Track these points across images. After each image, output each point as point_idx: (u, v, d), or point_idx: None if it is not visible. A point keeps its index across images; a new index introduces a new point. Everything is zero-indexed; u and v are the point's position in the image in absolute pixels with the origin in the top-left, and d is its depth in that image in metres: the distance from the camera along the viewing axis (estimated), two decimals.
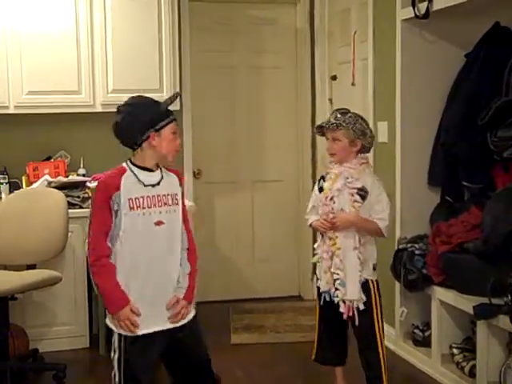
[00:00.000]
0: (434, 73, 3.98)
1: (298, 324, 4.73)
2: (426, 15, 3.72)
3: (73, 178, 4.50)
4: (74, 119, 4.71)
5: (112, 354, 2.62)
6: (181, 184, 2.73)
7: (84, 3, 4.51)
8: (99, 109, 4.60)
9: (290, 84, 5.45)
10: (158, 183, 2.62)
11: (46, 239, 3.93)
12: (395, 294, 4.10)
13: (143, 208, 2.56)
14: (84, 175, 4.63)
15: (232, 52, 5.32)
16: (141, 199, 2.57)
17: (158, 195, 2.61)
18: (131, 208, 2.55)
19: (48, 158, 4.70)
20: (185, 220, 2.72)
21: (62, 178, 4.42)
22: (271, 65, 5.41)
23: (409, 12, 3.86)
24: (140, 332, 2.57)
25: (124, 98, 4.48)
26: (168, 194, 2.64)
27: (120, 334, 2.59)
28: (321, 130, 3.28)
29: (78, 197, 4.34)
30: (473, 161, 3.75)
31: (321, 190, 3.27)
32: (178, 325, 2.65)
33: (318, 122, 5.12)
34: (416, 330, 4.03)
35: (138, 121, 2.59)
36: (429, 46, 3.98)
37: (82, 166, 4.70)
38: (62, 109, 4.53)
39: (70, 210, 4.10)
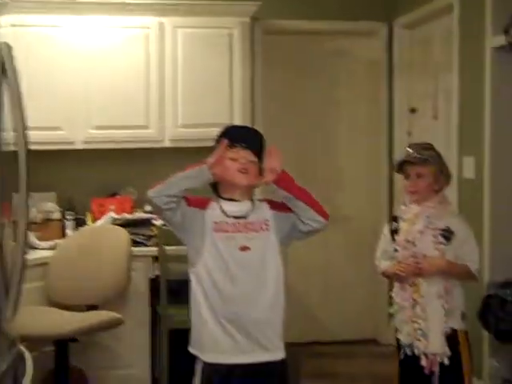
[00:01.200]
0: None
1: (375, 372, 4.42)
2: None
3: (138, 215, 4.35)
4: (142, 154, 4.60)
5: (193, 378, 2.48)
6: (272, 208, 2.52)
7: (154, 37, 4.45)
8: (168, 144, 4.52)
9: (367, 117, 5.21)
10: (245, 217, 2.47)
11: (108, 279, 3.81)
12: (483, 345, 3.74)
13: (226, 232, 2.44)
14: (151, 212, 4.46)
15: (306, 85, 5.12)
16: (225, 224, 2.45)
17: (244, 222, 2.46)
18: (215, 230, 2.43)
19: (114, 194, 4.58)
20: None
21: (126, 215, 4.29)
22: (347, 98, 5.20)
23: (500, 40, 3.59)
24: (222, 361, 2.43)
25: (194, 132, 4.51)
26: (256, 222, 2.47)
27: (204, 361, 2.45)
28: (401, 165, 3.01)
29: (143, 235, 4.18)
30: None
31: (393, 232, 3.01)
32: (261, 360, 2.43)
33: (396, 157, 4.91)
34: None
35: None
36: None
37: None
38: (129, 144, 4.45)
39: (134, 249, 3.98)
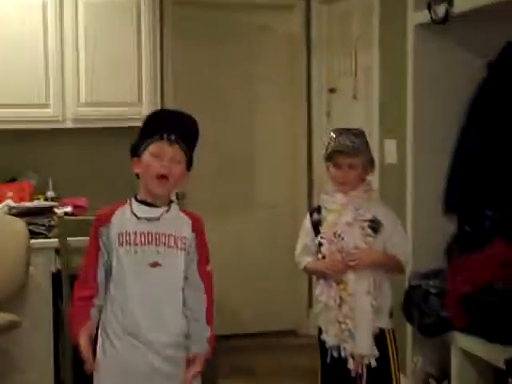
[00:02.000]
0: (453, 84, 3.52)
1: (295, 366, 4.24)
2: (445, 20, 3.26)
3: (38, 202, 3.98)
4: (42, 136, 4.24)
5: None
6: (194, 230, 2.25)
7: (52, 5, 4.06)
8: (70, 124, 4.18)
9: (284, 97, 4.97)
10: (158, 218, 2.19)
11: (3, 276, 3.45)
12: (407, 339, 3.60)
13: (135, 245, 2.17)
14: (53, 199, 4.12)
15: (221, 61, 4.82)
16: (133, 235, 2.19)
17: (157, 233, 2.19)
18: (120, 243, 2.18)
19: (12, 180, 4.19)
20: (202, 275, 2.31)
21: (25, 204, 3.91)
22: (263, 76, 4.92)
23: (424, 16, 3.41)
24: None
25: (97, 112, 4.17)
26: (171, 235, 2.20)
27: None
28: (331, 154, 2.78)
29: (43, 225, 3.80)
30: (496, 186, 3.29)
31: (316, 224, 2.78)
32: None
33: (314, 138, 4.76)
34: (431, 380, 3.53)
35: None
36: (446, 54, 3.53)
37: (50, 188, 4.19)
38: (28, 124, 4.10)
39: (33, 241, 3.64)
